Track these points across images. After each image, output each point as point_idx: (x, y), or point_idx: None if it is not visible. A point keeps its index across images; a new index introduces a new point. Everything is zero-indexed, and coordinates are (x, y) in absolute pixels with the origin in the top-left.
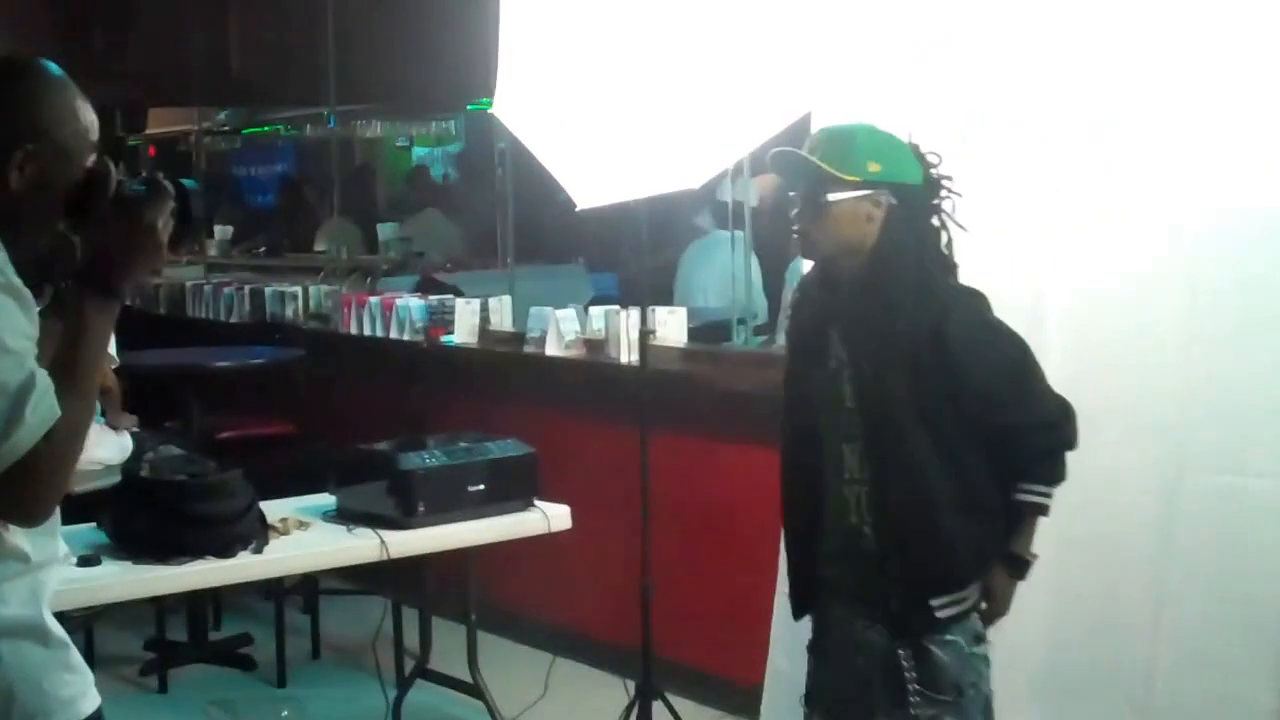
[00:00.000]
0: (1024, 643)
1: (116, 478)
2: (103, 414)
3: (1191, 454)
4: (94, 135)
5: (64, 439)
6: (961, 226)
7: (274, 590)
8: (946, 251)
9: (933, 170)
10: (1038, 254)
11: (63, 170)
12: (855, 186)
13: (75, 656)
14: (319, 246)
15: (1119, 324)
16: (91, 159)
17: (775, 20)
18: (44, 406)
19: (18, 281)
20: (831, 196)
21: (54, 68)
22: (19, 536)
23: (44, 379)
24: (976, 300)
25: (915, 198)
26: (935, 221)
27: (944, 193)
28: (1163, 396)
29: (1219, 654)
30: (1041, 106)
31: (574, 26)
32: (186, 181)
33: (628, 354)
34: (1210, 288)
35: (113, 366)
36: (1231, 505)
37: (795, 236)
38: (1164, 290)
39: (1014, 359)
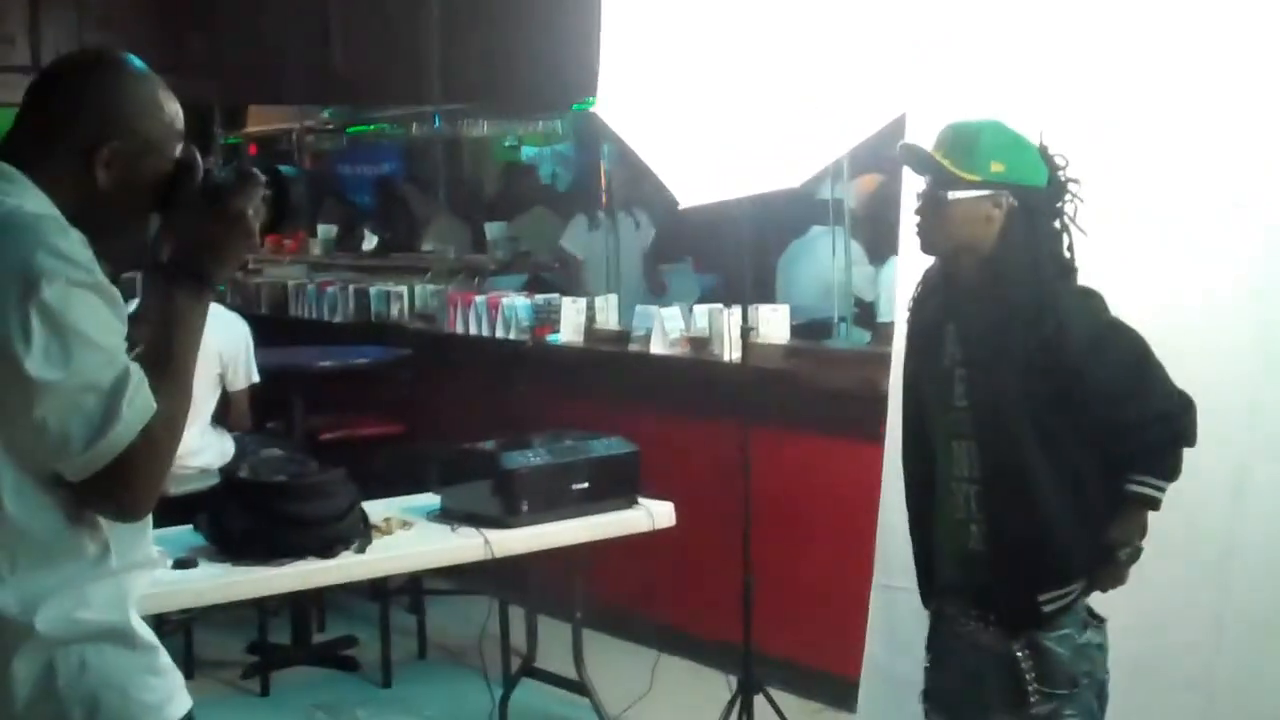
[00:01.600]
0: (1109, 624)
1: (214, 480)
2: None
3: (1254, 445)
4: (179, 125)
5: (161, 432)
6: (1082, 231)
7: (379, 591)
8: (1068, 255)
9: (1060, 172)
10: (1108, 248)
11: (150, 164)
12: (976, 186)
13: (163, 659)
14: (426, 246)
15: (1188, 316)
16: (178, 149)
17: (873, 21)
18: (140, 401)
19: (104, 279)
20: (952, 194)
21: (134, 60)
22: (105, 539)
23: (138, 373)
24: (1094, 301)
25: (1038, 199)
26: (1057, 224)
27: (1068, 195)
28: (1226, 390)
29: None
30: (1114, 103)
31: (675, 26)
32: (285, 169)
33: (730, 352)
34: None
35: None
36: None
37: (915, 231)
38: (1233, 279)
39: (1136, 356)
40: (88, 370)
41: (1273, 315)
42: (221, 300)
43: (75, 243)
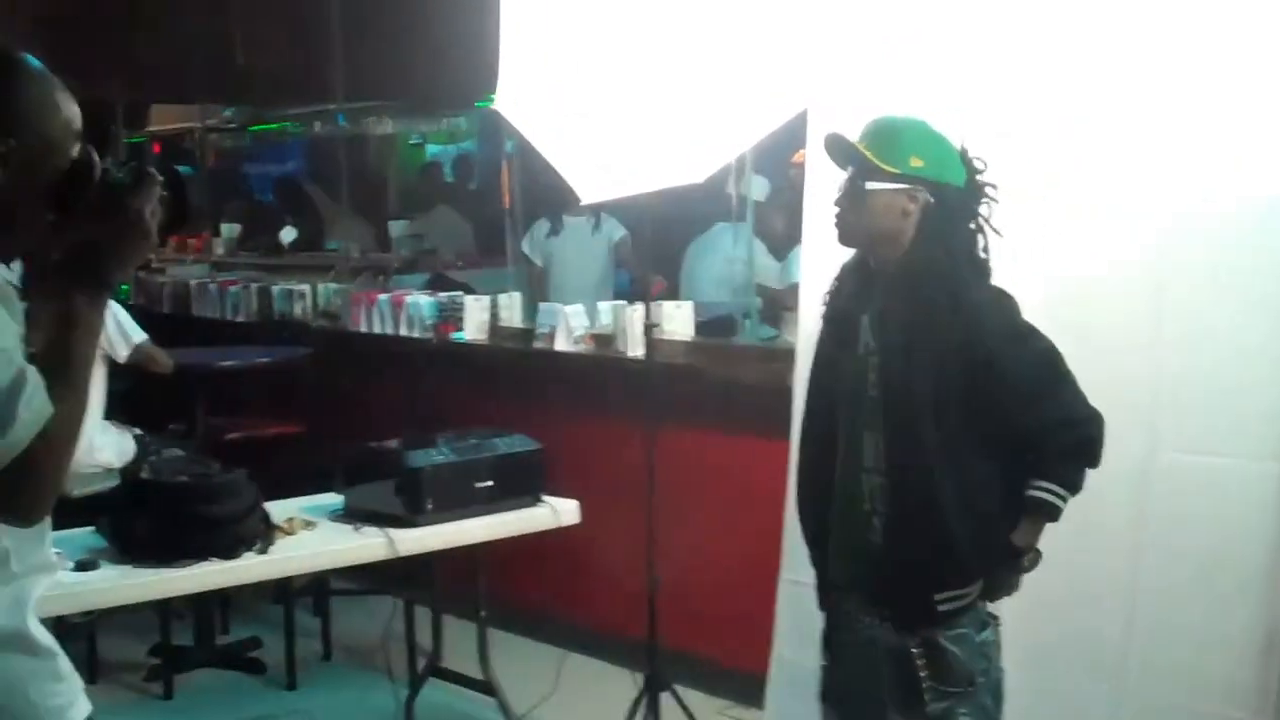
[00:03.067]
0: (1004, 613)
1: (115, 481)
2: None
3: (1162, 434)
4: (77, 126)
5: (60, 434)
6: (998, 232)
7: (283, 592)
8: (983, 255)
9: (977, 175)
10: (1012, 247)
11: (47, 163)
12: (895, 179)
13: (64, 665)
14: (329, 244)
15: (1092, 313)
16: (75, 149)
17: (775, 17)
18: (37, 402)
19: (1, 279)
20: (870, 185)
21: (31, 59)
22: (3, 544)
23: (35, 375)
24: (1008, 303)
25: (955, 198)
26: (973, 225)
27: (985, 198)
28: (1134, 381)
29: (1190, 626)
30: (1020, 103)
31: (575, 20)
32: (183, 169)
33: (635, 349)
34: (1179, 278)
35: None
36: (1199, 483)
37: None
38: (1136, 280)
39: (1046, 359)
40: None
41: (1174, 306)
42: (123, 299)
43: None
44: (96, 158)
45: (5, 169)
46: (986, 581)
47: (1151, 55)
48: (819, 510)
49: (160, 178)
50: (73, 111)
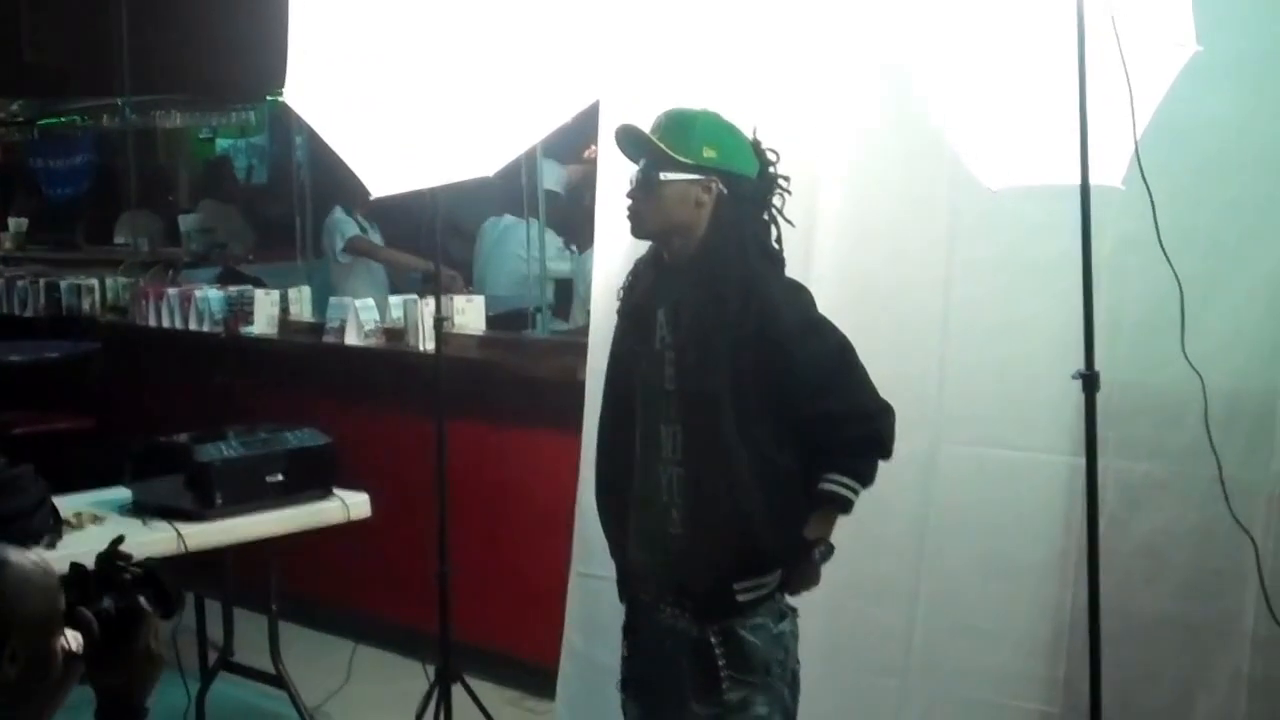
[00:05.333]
0: (800, 605)
1: None
2: None
3: (950, 427)
4: (57, 590)
5: None
6: (790, 223)
7: None
8: (776, 245)
9: (770, 167)
10: (804, 239)
11: (48, 641)
12: (687, 169)
13: None
14: (118, 239)
15: (881, 306)
16: (63, 602)
17: (567, 8)
18: None
19: None
20: (663, 175)
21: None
22: None
23: None
24: (802, 294)
25: (748, 189)
26: (766, 216)
27: (778, 189)
28: (923, 374)
29: (978, 619)
30: (812, 94)
31: (365, 12)
32: (149, 562)
33: (426, 343)
34: (967, 273)
35: None
36: (989, 475)
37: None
38: (923, 273)
39: (838, 351)
40: None
41: (962, 299)
42: None
43: None
44: (91, 617)
45: (16, 665)
46: (784, 573)
47: (933, 50)
48: (617, 502)
49: (147, 607)
50: (54, 587)
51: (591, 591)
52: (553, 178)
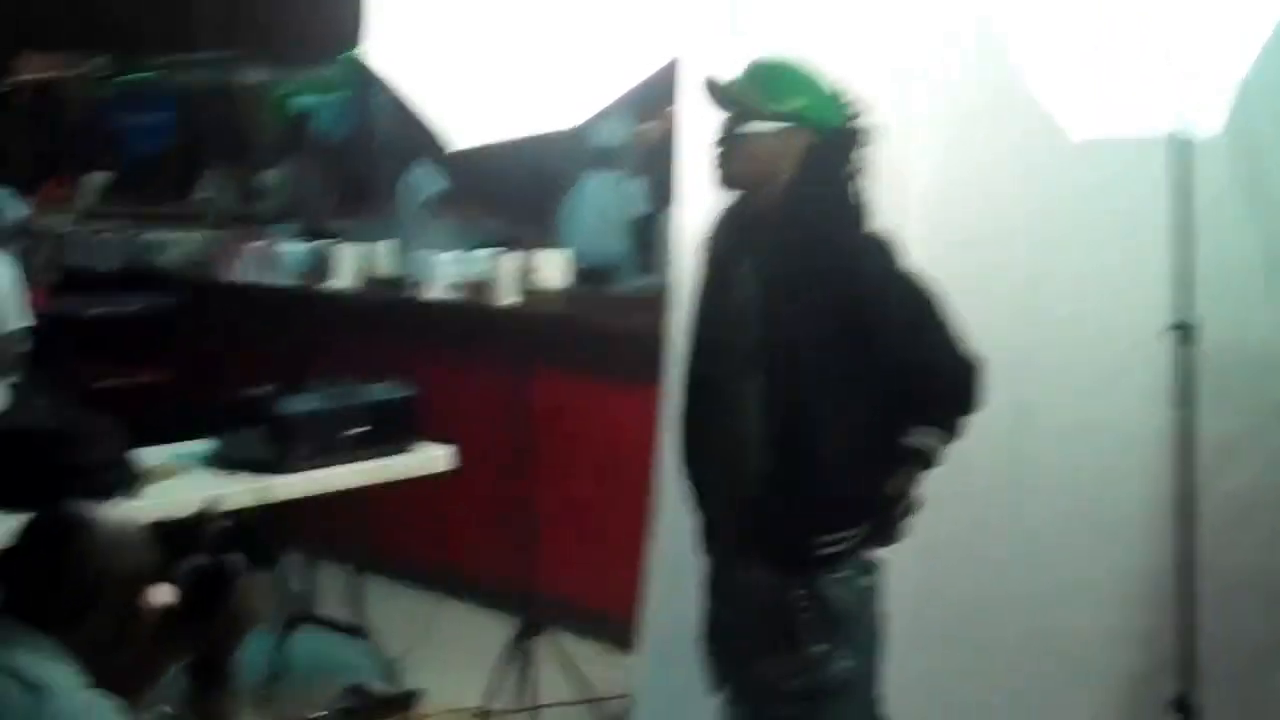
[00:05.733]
0: (887, 562)
1: None
2: None
3: (1035, 380)
4: (147, 548)
5: None
6: (877, 174)
7: None
8: (863, 198)
9: (857, 118)
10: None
11: (140, 599)
12: (775, 119)
13: None
14: (199, 195)
15: (970, 261)
16: (153, 560)
17: None
18: None
19: None
20: (749, 127)
21: (85, 510)
22: None
23: None
24: (888, 246)
25: (835, 140)
26: (853, 167)
27: (864, 139)
28: (1009, 327)
29: (1064, 576)
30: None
31: None
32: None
33: (509, 296)
34: (1059, 226)
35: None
36: (1073, 428)
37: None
38: (1014, 226)
39: (925, 304)
40: None
41: (1046, 255)
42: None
43: None
44: (176, 570)
45: (109, 622)
46: (868, 527)
47: None
48: (700, 456)
49: (239, 567)
50: (140, 544)
51: (675, 544)
52: (630, 134)
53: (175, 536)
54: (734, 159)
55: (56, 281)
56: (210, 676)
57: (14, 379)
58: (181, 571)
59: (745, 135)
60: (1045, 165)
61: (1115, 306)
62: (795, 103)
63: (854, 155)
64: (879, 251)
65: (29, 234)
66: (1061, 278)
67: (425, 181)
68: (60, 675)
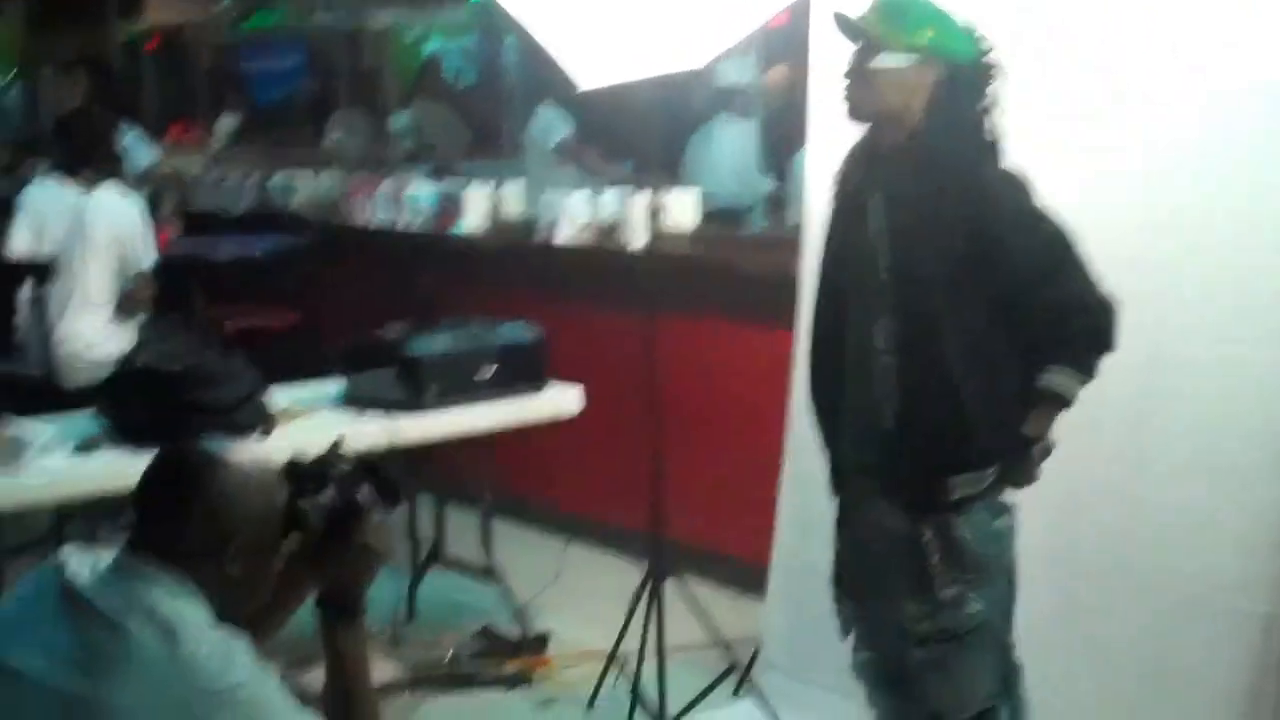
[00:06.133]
0: (1020, 504)
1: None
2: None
3: (1168, 321)
4: (277, 485)
5: None
6: (1007, 111)
7: None
8: (993, 134)
9: (989, 52)
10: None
11: (269, 536)
12: (905, 51)
13: None
14: (329, 139)
15: (1096, 197)
16: (283, 498)
17: None
18: None
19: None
20: (880, 61)
21: (216, 447)
22: None
23: None
24: (1020, 183)
25: (966, 74)
26: (983, 103)
27: (996, 74)
28: (1144, 268)
29: (1195, 520)
30: None
31: None
32: (374, 464)
33: (638, 238)
34: (1179, 169)
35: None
36: (1204, 370)
37: (844, 99)
38: (1152, 167)
39: (1058, 242)
40: None
41: (1180, 196)
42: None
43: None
44: (308, 510)
45: (236, 563)
46: (1001, 469)
47: None
48: (831, 396)
49: (362, 504)
50: (270, 480)
51: (805, 489)
52: (759, 74)
53: (305, 475)
54: (864, 93)
55: (186, 224)
56: (340, 613)
57: (144, 320)
58: (311, 508)
59: (875, 69)
60: (1181, 107)
61: (1251, 245)
62: (925, 35)
63: (986, 90)
64: (1013, 189)
65: (159, 177)
66: (1197, 220)
67: (554, 124)
68: (192, 613)
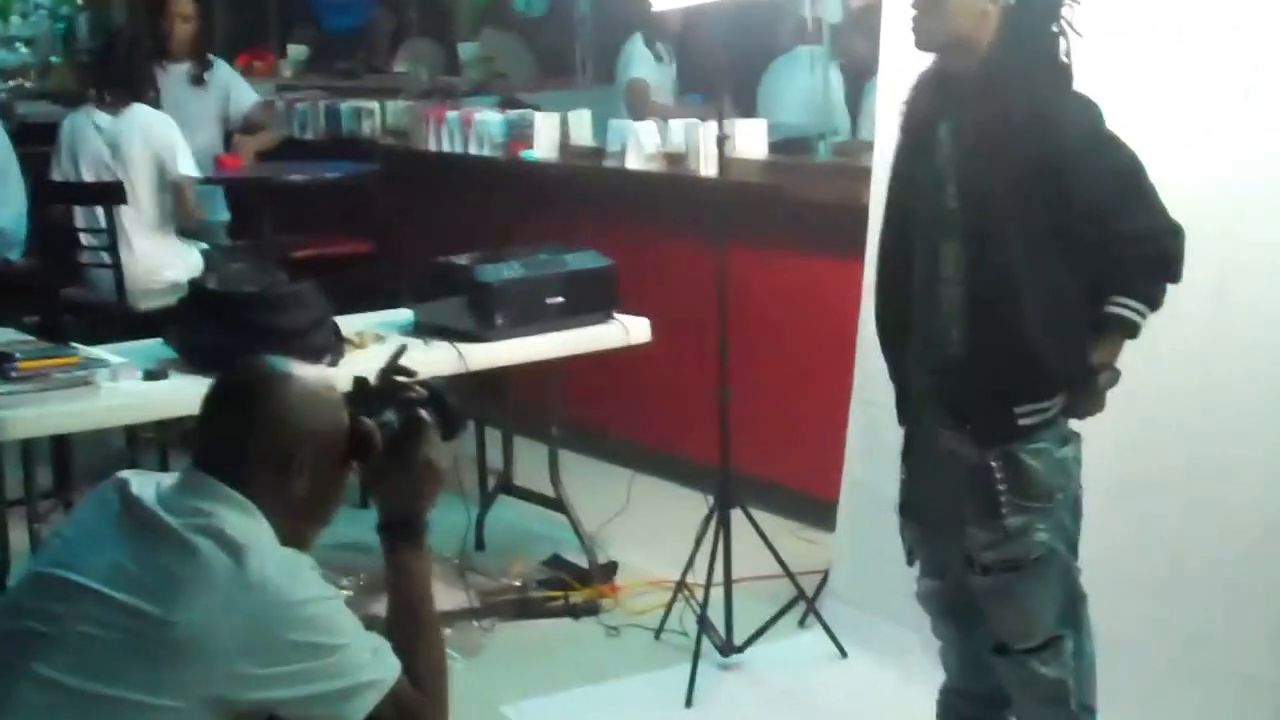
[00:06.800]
0: (1086, 434)
1: (184, 292)
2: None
3: (1235, 251)
4: (341, 404)
5: (430, 680)
6: (1079, 34)
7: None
8: (1065, 60)
9: None
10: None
11: (333, 454)
12: None
13: None
14: (398, 67)
15: (1172, 122)
16: (346, 418)
17: None
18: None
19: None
20: None
21: (280, 365)
22: None
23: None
24: (1090, 109)
25: (1036, 1)
26: (1055, 28)
27: (1065, 1)
28: (1214, 194)
29: (1259, 455)
30: None
31: None
32: (433, 383)
33: (707, 166)
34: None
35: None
36: (1274, 301)
37: (911, 25)
38: (1219, 95)
39: (1127, 169)
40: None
41: (1250, 125)
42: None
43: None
44: (371, 425)
45: (303, 479)
46: (1068, 397)
47: None
48: (897, 324)
49: (427, 418)
50: (334, 397)
51: (873, 419)
52: (834, 9)
53: (369, 395)
54: (934, 21)
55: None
56: (403, 537)
57: (215, 245)
58: (374, 427)
59: None
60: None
61: None
62: None
63: (1056, 14)
64: (1083, 115)
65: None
66: (1266, 149)
67: (632, 60)
68: (259, 531)
